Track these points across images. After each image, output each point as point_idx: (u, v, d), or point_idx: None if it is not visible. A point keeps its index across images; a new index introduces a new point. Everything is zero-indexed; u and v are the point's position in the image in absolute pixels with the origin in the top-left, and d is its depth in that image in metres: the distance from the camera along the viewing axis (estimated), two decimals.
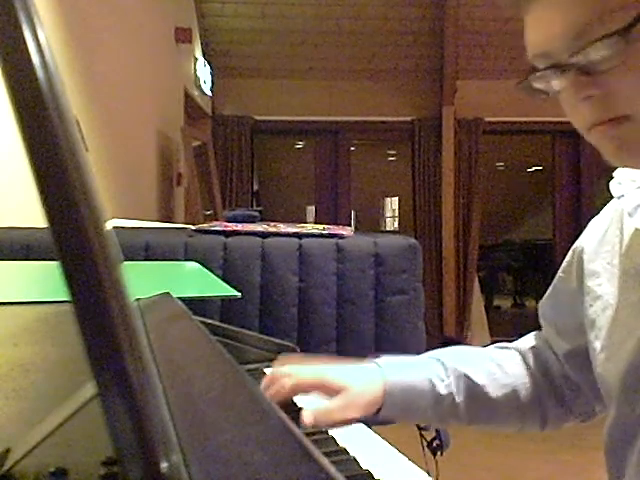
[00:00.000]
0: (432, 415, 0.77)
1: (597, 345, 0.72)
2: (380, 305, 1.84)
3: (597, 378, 0.73)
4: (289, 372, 0.74)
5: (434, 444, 0.79)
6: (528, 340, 0.90)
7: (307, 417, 0.68)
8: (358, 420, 0.73)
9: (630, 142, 0.58)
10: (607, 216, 0.77)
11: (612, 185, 0.73)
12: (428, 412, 0.77)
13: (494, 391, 0.80)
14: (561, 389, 0.84)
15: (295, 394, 0.73)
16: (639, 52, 0.54)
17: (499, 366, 0.82)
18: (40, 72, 0.25)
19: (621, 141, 0.58)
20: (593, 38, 0.55)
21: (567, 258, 0.83)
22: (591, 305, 0.74)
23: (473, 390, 0.79)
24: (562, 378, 0.84)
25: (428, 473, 0.62)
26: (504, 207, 10.30)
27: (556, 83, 0.61)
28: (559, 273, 0.84)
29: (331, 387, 0.72)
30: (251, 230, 1.97)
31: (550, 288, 0.87)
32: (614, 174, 0.73)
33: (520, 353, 0.87)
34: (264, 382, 0.75)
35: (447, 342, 5.97)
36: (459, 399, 0.77)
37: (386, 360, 0.79)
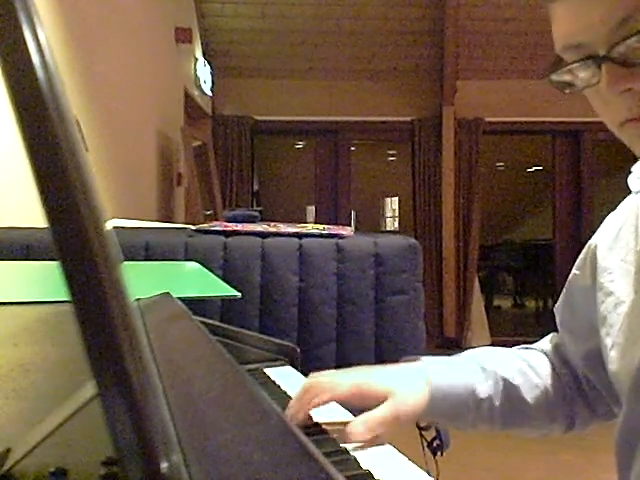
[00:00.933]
0: (471, 419, 0.75)
1: (608, 342, 0.71)
2: (380, 305, 1.84)
3: (610, 375, 0.72)
4: (327, 379, 0.69)
5: (434, 444, 0.78)
6: (550, 341, 0.89)
7: (357, 428, 0.63)
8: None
9: None
10: (623, 212, 0.76)
11: (631, 180, 0.72)
12: (468, 416, 0.75)
13: (528, 392, 0.79)
14: (585, 390, 0.83)
15: (331, 400, 0.68)
16: None
17: (530, 367, 0.81)
18: (40, 72, 0.25)
19: None
20: (634, 29, 0.53)
21: (581, 255, 0.81)
22: (603, 301, 0.73)
23: (510, 393, 0.77)
24: (584, 379, 0.83)
25: (428, 473, 0.62)
26: (504, 207, 10.31)
27: (587, 76, 0.59)
28: (573, 270, 0.82)
29: (374, 393, 0.68)
30: (251, 230, 1.97)
31: (565, 287, 0.85)
32: (632, 169, 0.72)
33: (545, 354, 0.86)
34: (298, 391, 0.69)
35: (447, 342, 5.97)
36: (497, 402, 0.76)
37: (428, 360, 0.76)
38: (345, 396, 0.68)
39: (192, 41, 5.09)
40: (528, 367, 0.81)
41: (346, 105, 6.13)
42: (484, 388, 0.76)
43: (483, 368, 0.77)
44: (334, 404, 0.71)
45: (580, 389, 0.83)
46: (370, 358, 1.78)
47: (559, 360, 0.85)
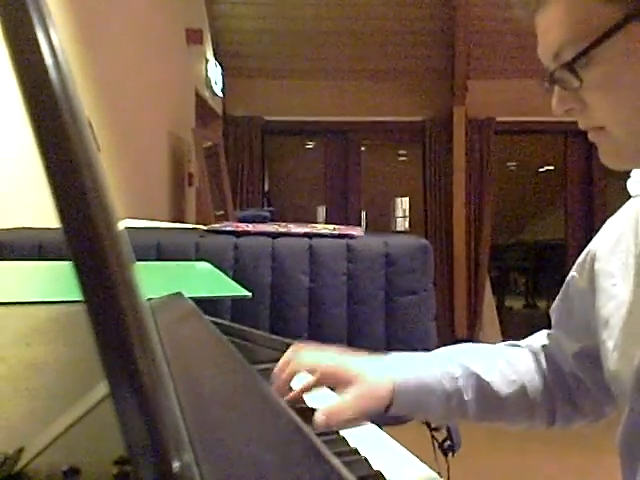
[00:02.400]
0: (441, 412, 0.77)
1: (610, 344, 0.72)
2: (391, 305, 1.83)
3: (609, 377, 0.73)
4: (304, 354, 0.74)
5: (446, 445, 0.78)
6: (539, 338, 0.90)
7: (319, 418, 0.67)
8: (369, 419, 0.72)
9: (611, 149, 0.65)
10: (623, 216, 0.78)
11: (630, 184, 0.74)
12: (437, 410, 0.77)
13: (503, 389, 0.80)
14: (571, 388, 0.84)
15: (309, 375, 0.73)
16: (592, 78, 0.62)
17: (509, 363, 0.82)
18: (53, 73, 0.25)
19: (603, 148, 0.66)
20: (562, 62, 0.63)
21: (580, 258, 0.83)
22: (605, 305, 0.74)
23: (482, 388, 0.78)
24: (572, 377, 0.84)
25: (439, 474, 0.61)
26: (515, 207, 10.25)
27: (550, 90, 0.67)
28: (572, 272, 0.84)
29: (346, 374, 0.72)
30: (262, 230, 1.97)
31: (563, 287, 0.87)
32: (632, 173, 0.73)
33: (531, 351, 0.87)
34: (278, 365, 0.75)
35: (458, 343, 5.94)
36: (468, 397, 0.77)
37: (395, 356, 0.79)
38: (321, 371, 0.73)
39: (203, 42, 5.11)
40: (506, 363, 0.82)
41: (356, 105, 6.12)
42: (453, 382, 0.77)
43: (454, 363, 0.79)
44: (328, 391, 0.75)
45: (564, 387, 0.84)
46: None
47: (546, 358, 0.86)
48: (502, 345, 0.88)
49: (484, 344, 0.87)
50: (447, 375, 0.77)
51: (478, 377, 0.79)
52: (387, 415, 0.74)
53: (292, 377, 0.74)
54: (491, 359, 0.82)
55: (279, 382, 0.74)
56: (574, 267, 0.84)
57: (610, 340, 0.72)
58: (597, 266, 0.77)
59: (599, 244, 0.79)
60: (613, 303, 0.73)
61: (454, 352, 0.82)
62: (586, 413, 0.85)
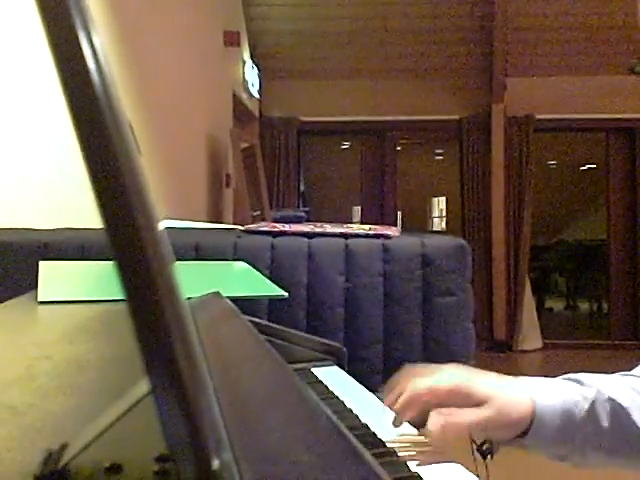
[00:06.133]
0: (578, 441, 0.68)
1: None
2: (427, 306, 1.82)
3: None
4: (427, 372, 0.66)
5: (484, 447, 0.77)
6: None
7: (434, 424, 0.59)
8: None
9: None
10: None
11: None
12: (576, 437, 0.67)
13: (638, 415, 0.70)
14: None
15: (432, 400, 0.63)
16: None
17: (635, 390, 0.73)
18: (96, 77, 0.25)
19: None
20: None
21: None
22: None
23: (617, 413, 0.69)
24: None
25: (478, 477, 0.61)
26: (556, 206, 10.07)
27: None
28: None
29: (478, 391, 0.63)
30: (298, 230, 1.98)
31: None
32: None
33: None
34: (396, 390, 0.66)
35: (497, 345, 5.86)
36: (605, 423, 0.68)
37: (527, 380, 0.70)
38: (445, 395, 0.64)
39: (240, 44, 5.15)
40: (632, 390, 0.72)
41: (392, 104, 6.09)
42: (589, 406, 0.68)
43: (587, 387, 0.70)
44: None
45: None
46: (418, 360, 1.76)
47: None
48: (615, 375, 0.78)
49: (595, 373, 0.76)
50: (583, 398, 0.68)
51: (613, 401, 0.69)
52: (515, 445, 0.66)
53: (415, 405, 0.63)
54: (619, 384, 0.72)
55: (401, 406, 0.64)
56: None
57: None
58: None
59: None
60: None
61: (579, 376, 0.72)
62: None
